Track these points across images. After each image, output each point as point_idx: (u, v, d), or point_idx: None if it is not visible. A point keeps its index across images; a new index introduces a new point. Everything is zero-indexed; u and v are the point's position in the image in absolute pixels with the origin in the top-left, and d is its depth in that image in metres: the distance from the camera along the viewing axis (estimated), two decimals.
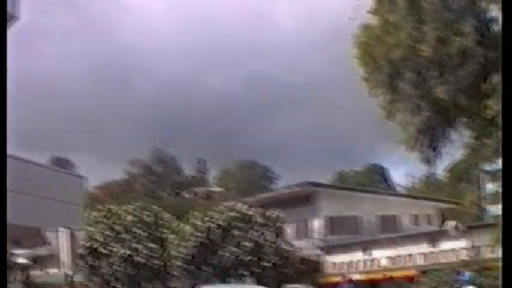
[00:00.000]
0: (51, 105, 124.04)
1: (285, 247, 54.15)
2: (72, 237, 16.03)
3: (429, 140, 21.72)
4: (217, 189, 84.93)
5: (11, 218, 12.30)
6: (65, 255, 15.81)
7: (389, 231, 55.19)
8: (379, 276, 50.05)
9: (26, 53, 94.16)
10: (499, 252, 15.70)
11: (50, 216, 19.05)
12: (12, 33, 26.59)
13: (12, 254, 51.24)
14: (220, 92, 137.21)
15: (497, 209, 66.74)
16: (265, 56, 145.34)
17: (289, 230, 56.86)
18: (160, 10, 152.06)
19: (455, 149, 23.10)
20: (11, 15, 24.91)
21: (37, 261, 72.82)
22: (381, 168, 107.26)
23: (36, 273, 74.53)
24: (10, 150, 14.54)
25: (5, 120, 10.93)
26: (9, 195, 14.19)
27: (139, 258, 53.32)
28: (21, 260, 65.65)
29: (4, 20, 11.07)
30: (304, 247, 55.83)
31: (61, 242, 15.91)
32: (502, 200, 8.76)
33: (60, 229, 16.08)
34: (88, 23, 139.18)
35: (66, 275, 16.05)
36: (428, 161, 22.45)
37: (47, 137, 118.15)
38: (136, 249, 53.52)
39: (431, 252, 47.33)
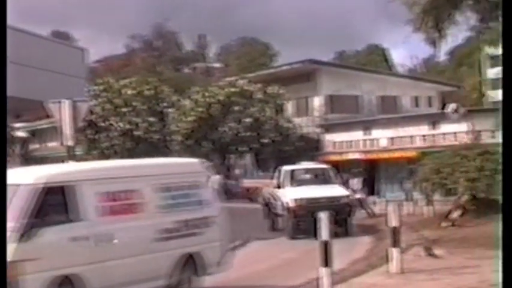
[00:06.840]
0: None
1: (284, 124, 54.32)
2: (75, 109, 15.80)
3: (434, 20, 21.42)
4: (217, 65, 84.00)
5: (11, 90, 12.12)
6: (67, 128, 15.63)
7: (390, 112, 55.14)
8: (378, 156, 50.16)
9: None
10: (499, 138, 15.69)
11: (53, 89, 18.91)
12: None
13: (12, 128, 51.24)
14: None
15: (497, 94, 66.63)
16: None
17: (289, 107, 56.90)
18: None
19: (459, 31, 22.92)
20: None
21: (36, 134, 73.24)
22: (382, 48, 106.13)
23: (35, 146, 75.14)
24: (10, 22, 14.27)
25: (5, 115, 10.79)
26: (11, 67, 13.94)
27: (138, 132, 53.48)
28: (20, 134, 65.82)
29: (4, 21, 10.72)
30: (304, 125, 55.88)
31: (63, 114, 15.69)
32: (502, 199, 8.75)
33: (63, 100, 15.82)
34: None
35: (69, 147, 15.92)
36: (432, 42, 22.26)
37: (46, 11, 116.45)
38: (136, 123, 53.63)
39: (432, 135, 47.25)
